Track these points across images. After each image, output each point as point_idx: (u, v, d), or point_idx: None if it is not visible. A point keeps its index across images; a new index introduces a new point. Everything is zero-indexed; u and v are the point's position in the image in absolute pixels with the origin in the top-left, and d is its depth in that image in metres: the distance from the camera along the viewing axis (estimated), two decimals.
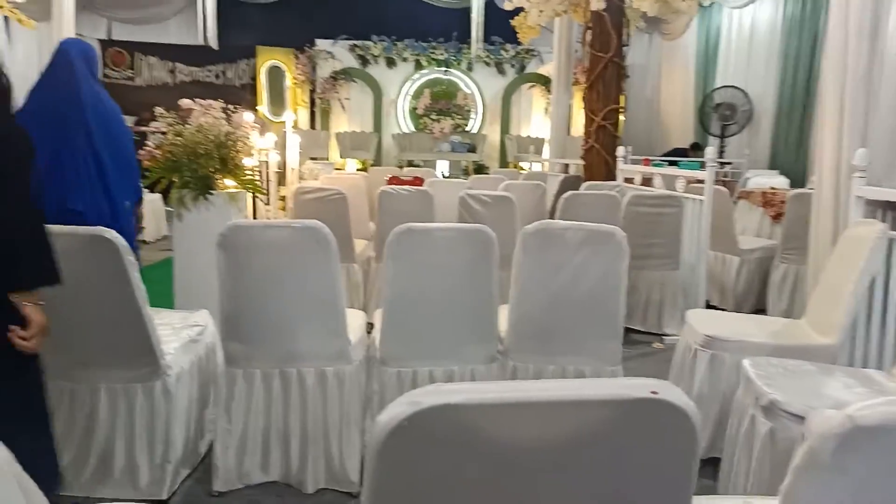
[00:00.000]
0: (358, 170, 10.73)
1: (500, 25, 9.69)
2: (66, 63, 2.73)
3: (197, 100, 3.61)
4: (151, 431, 2.25)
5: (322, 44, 11.47)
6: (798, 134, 8.20)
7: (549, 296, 2.38)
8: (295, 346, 2.30)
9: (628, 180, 5.07)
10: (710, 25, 10.02)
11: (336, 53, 11.51)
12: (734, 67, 9.63)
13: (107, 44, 10.98)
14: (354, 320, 2.48)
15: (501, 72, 11.88)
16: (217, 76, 11.37)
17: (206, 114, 3.53)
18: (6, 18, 9.01)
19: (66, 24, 7.46)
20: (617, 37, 5.05)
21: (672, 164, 7.25)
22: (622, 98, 5.42)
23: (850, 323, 2.46)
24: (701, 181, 4.08)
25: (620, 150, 5.13)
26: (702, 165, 4.05)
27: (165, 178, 3.58)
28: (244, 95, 10.96)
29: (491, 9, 9.97)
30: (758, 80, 9.09)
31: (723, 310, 4.63)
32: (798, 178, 7.66)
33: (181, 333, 2.39)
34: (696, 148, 9.24)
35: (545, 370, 2.48)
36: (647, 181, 5.05)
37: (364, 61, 11.66)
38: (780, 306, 4.47)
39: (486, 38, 10.67)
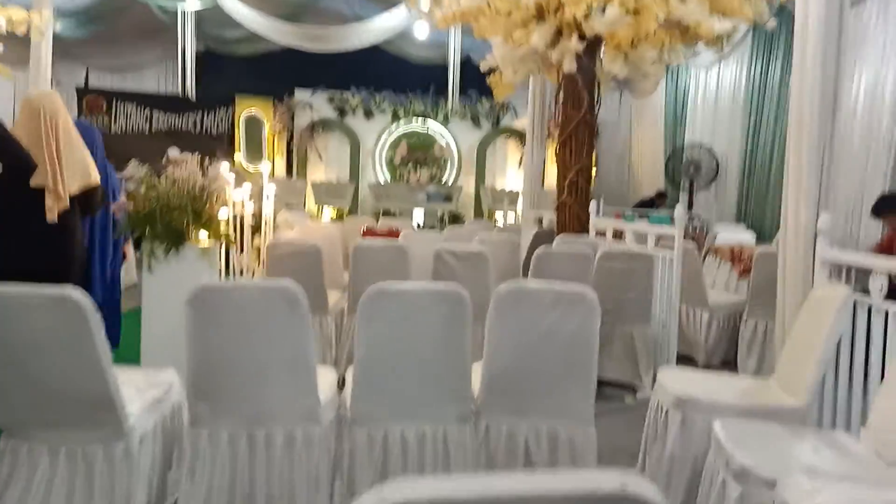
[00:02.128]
0: (333, 218, 10.75)
1: (476, 80, 9.95)
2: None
3: (171, 154, 3.61)
4: (112, 495, 2.17)
5: (301, 94, 11.62)
6: (764, 190, 8.44)
7: (521, 355, 2.38)
8: (263, 407, 2.26)
9: (601, 233, 5.15)
10: (678, 84, 10.39)
11: (314, 104, 11.65)
12: (701, 124, 9.95)
13: (84, 91, 10.99)
14: (325, 378, 2.45)
15: (477, 124, 12.11)
16: (195, 124, 11.40)
17: (181, 167, 3.53)
18: None
19: (42, 70, 7.48)
20: (588, 96, 5.20)
21: (642, 215, 7.43)
22: (594, 154, 5.55)
23: (817, 384, 2.50)
24: (671, 237, 4.16)
25: (592, 206, 5.22)
26: (671, 221, 4.14)
27: (138, 230, 3.56)
28: (222, 144, 10.98)
29: (467, 64, 10.26)
30: (724, 137, 9.39)
31: (694, 362, 4.68)
32: (765, 233, 7.85)
33: (146, 394, 2.33)
34: (662, 196, 9.45)
35: (518, 430, 2.45)
36: (619, 233, 5.14)
37: (342, 112, 11.81)
38: (750, 360, 4.53)
39: (463, 92, 10.94)
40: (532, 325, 2.34)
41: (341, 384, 2.59)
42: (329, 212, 11.42)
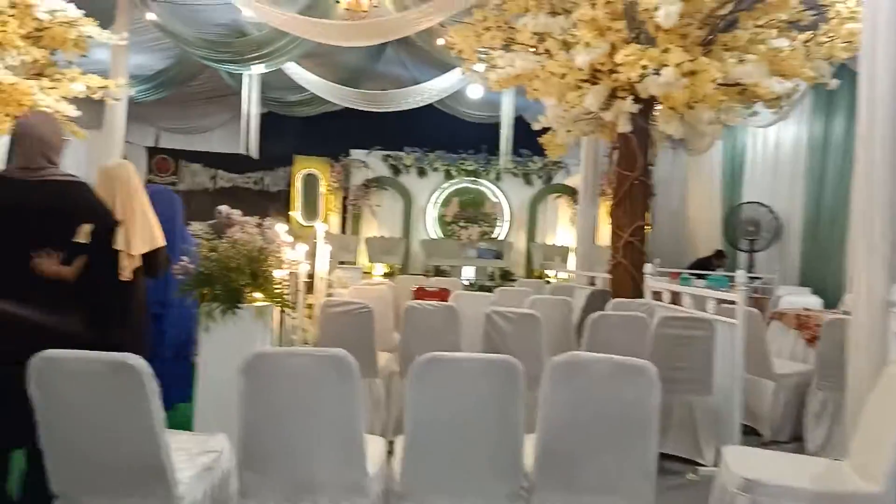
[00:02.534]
0: (385, 274, 10.84)
1: (529, 138, 10.04)
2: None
3: (232, 215, 3.72)
4: None
5: (357, 153, 11.96)
6: (829, 251, 8.12)
7: (576, 429, 2.29)
8: (312, 476, 2.23)
9: (656, 295, 5.01)
10: (735, 141, 10.21)
11: (369, 163, 11.96)
12: (760, 182, 9.71)
13: (154, 151, 11.59)
14: (374, 449, 2.41)
15: (529, 182, 12.17)
16: (255, 182, 11.84)
17: (241, 230, 3.63)
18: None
19: (117, 132, 7.94)
20: (643, 156, 5.16)
21: (699, 276, 7.21)
22: (648, 214, 5.47)
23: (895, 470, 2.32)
24: (731, 302, 4.00)
25: (648, 268, 5.10)
26: (730, 281, 3.99)
27: (197, 291, 3.64)
28: (279, 202, 11.34)
29: (520, 123, 10.38)
30: (784, 196, 9.13)
31: (757, 434, 4.42)
32: (829, 296, 7.50)
33: (196, 460, 2.33)
34: (720, 255, 9.18)
35: None
36: (675, 296, 4.98)
37: (396, 170, 12.07)
38: (818, 434, 4.25)
39: (515, 151, 11.05)
40: (588, 397, 2.26)
41: (390, 451, 2.55)
42: (382, 268, 11.54)
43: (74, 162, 10.80)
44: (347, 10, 7.64)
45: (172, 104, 10.67)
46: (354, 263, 10.90)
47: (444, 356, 2.20)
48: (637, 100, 4.82)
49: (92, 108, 7.44)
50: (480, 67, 5.87)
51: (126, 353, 2.03)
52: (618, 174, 5.32)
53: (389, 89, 10.22)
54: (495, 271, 11.39)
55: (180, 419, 3.30)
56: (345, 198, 11.97)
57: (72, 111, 5.57)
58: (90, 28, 5.55)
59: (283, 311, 4.07)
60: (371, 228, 12.03)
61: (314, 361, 2.14)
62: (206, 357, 3.43)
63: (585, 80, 4.87)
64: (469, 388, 2.21)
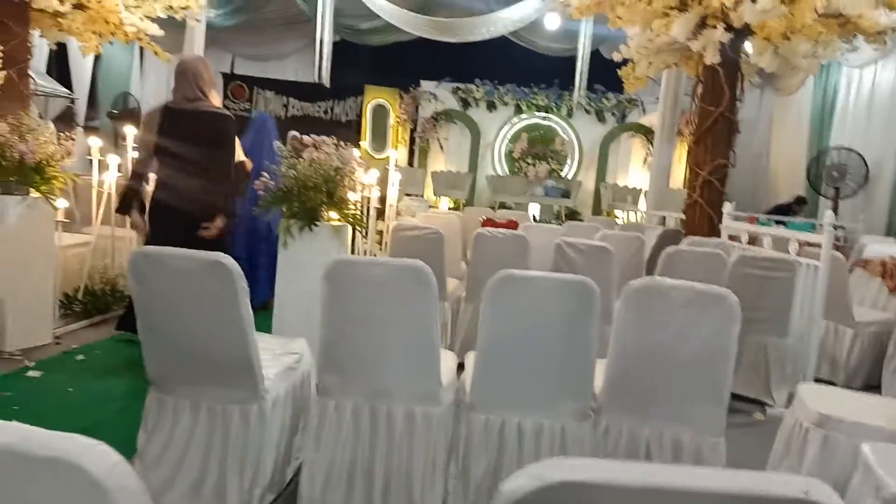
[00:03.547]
0: (451, 208, 10.87)
1: (604, 74, 9.67)
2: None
3: (311, 135, 3.78)
4: (244, 454, 2.30)
5: (426, 85, 11.83)
6: None
7: (650, 356, 2.29)
8: (387, 383, 2.31)
9: (732, 238, 4.86)
10: (827, 84, 9.58)
11: (439, 95, 11.82)
12: (851, 129, 9.13)
13: (229, 77, 11.78)
14: (446, 362, 2.47)
15: (601, 120, 11.80)
16: (325, 112, 11.92)
17: (319, 149, 3.68)
18: (141, 50, 9.88)
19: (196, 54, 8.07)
20: (730, 91, 4.90)
21: (778, 222, 6.92)
22: (730, 154, 5.24)
23: None
24: (815, 245, 3.85)
25: (727, 207, 4.93)
26: (813, 227, 3.82)
27: (275, 207, 3.76)
28: (350, 131, 11.42)
29: (595, 57, 9.99)
30: (876, 144, 8.56)
31: (833, 384, 4.31)
32: None
33: (280, 360, 2.46)
34: (801, 202, 8.76)
35: (640, 433, 2.36)
36: (752, 240, 4.81)
37: (465, 104, 11.90)
38: None
39: (589, 86, 10.69)
40: (663, 324, 2.24)
41: (459, 371, 2.61)
42: (447, 202, 11.57)
43: (156, 84, 11.11)
44: None
45: (248, 30, 10.75)
46: (421, 196, 10.95)
47: (519, 274, 2.21)
48: (729, 29, 4.55)
49: (173, 32, 7.58)
50: None
51: (219, 253, 2.13)
52: (701, 109, 5.08)
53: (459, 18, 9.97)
54: (562, 210, 11.25)
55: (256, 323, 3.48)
56: (413, 130, 11.94)
57: (156, 31, 5.68)
58: None
59: (356, 232, 4.16)
60: (438, 162, 12.00)
61: (394, 271, 2.19)
62: (285, 270, 3.57)
63: (674, 7, 4.62)
64: (543, 306, 2.22)
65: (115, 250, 4.83)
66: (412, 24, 9.37)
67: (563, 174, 11.79)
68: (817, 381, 3.98)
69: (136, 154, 4.72)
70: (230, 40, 11.07)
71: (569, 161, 11.84)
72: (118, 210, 3.84)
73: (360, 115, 11.88)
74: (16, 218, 3.67)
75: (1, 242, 3.62)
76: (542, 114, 11.80)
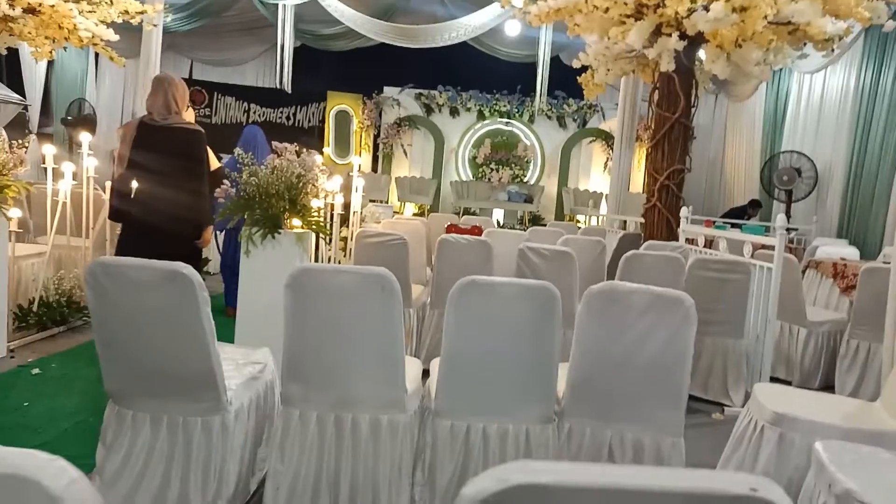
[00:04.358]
0: (415, 214, 10.88)
1: (564, 80, 9.81)
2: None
3: (273, 142, 3.75)
4: (207, 466, 2.27)
5: (389, 91, 11.83)
6: (870, 203, 7.92)
7: (610, 359, 2.33)
8: (352, 392, 2.31)
9: (690, 241, 4.98)
10: (779, 90, 9.90)
11: (402, 101, 11.84)
12: (802, 133, 9.44)
13: (188, 83, 11.59)
14: (411, 369, 2.48)
15: (563, 125, 11.97)
16: (288, 118, 11.82)
17: (280, 156, 3.66)
18: (97, 55, 9.67)
19: (152, 60, 7.94)
20: (685, 98, 5.03)
21: (734, 225, 7.11)
22: (687, 159, 5.37)
23: None
24: (769, 247, 3.97)
25: (684, 211, 5.06)
26: (766, 231, 3.95)
27: (237, 215, 3.72)
28: (312, 137, 11.34)
29: (556, 64, 10.14)
30: (827, 146, 8.88)
31: (788, 383, 4.44)
32: (869, 249, 7.37)
33: (243, 370, 2.44)
34: (755, 205, 9.02)
35: (602, 435, 2.41)
36: (709, 243, 4.94)
37: (429, 109, 11.94)
38: (849, 382, 4.26)
39: (550, 92, 10.83)
40: (623, 328, 2.29)
41: (424, 378, 2.62)
42: (411, 208, 11.57)
43: (112, 90, 10.87)
44: None
45: (207, 35, 10.61)
46: (385, 202, 10.94)
47: (483, 280, 2.24)
48: (683, 37, 4.67)
49: (129, 37, 7.45)
50: (520, 2, 5.71)
51: (179, 263, 2.10)
52: (658, 115, 5.20)
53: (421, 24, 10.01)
54: (525, 215, 11.36)
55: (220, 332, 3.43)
56: (376, 136, 11.93)
57: (111, 36, 5.57)
58: None
59: (318, 239, 4.14)
60: (402, 168, 12.01)
61: (358, 279, 2.19)
62: (247, 279, 3.53)
63: (630, 15, 4.72)
64: (506, 312, 2.25)
65: (71, 260, 4.71)
66: (374, 30, 9.38)
67: (525, 179, 11.92)
68: (773, 380, 4.11)
69: (93, 162, 4.63)
70: (188, 45, 10.91)
71: (531, 166, 11.98)
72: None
73: (322, 122, 11.82)
74: None
75: None
76: (505, 119, 11.91)
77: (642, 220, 5.75)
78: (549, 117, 11.90)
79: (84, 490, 0.68)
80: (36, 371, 3.62)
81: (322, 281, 2.19)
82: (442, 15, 10.07)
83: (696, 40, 4.84)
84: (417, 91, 11.88)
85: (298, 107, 11.81)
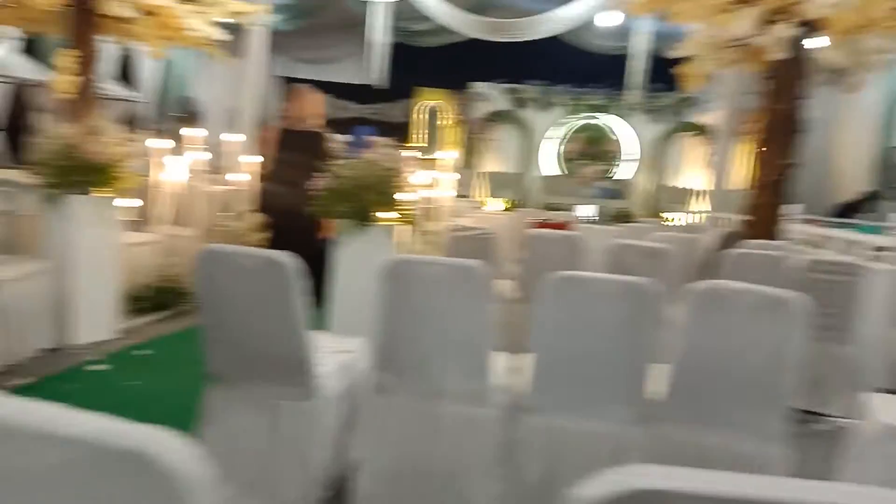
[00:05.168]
0: (503, 209, 10.83)
1: (659, 72, 9.46)
2: None
3: (366, 136, 3.82)
4: (297, 450, 2.33)
5: (479, 86, 11.82)
6: None
7: (713, 361, 2.22)
8: (441, 382, 2.31)
9: (798, 240, 4.68)
10: None
11: (491, 96, 11.80)
12: None
13: (287, 81, 12.03)
14: (500, 362, 2.45)
15: (657, 119, 11.56)
16: (377, 113, 12.05)
17: (374, 150, 3.72)
18: (206, 54, 10.20)
19: (256, 59, 8.30)
20: (798, 89, 4.72)
21: (844, 224, 6.61)
22: (798, 154, 5.04)
23: None
24: (886, 249, 3.67)
25: (793, 208, 4.75)
26: (880, 229, 3.64)
27: (330, 207, 3.82)
28: (401, 133, 11.51)
29: (652, 55, 9.80)
30: None
31: None
32: None
33: (335, 357, 2.48)
34: (871, 198, 8.36)
35: (701, 440, 2.29)
36: (818, 242, 4.63)
37: (517, 104, 11.84)
38: None
39: (644, 85, 10.49)
40: (729, 329, 2.17)
41: (513, 373, 2.58)
42: (498, 202, 11.53)
43: (218, 84, 11.42)
44: None
45: (303, 34, 10.95)
46: (471, 196, 10.96)
47: (576, 275, 2.18)
48: (796, 23, 4.38)
49: (234, 36, 7.79)
50: None
51: (278, 251, 2.16)
52: (767, 108, 4.91)
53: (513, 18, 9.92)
54: (614, 211, 11.07)
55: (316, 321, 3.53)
56: (465, 130, 11.96)
57: (220, 35, 5.83)
58: None
59: (408, 232, 4.19)
60: (490, 163, 11.98)
61: (449, 270, 2.18)
62: (340, 268, 3.61)
63: (738, 2, 4.47)
64: (600, 309, 2.18)
65: (178, 249, 4.98)
66: (466, 26, 9.39)
67: (615, 175, 11.61)
68: (885, 391, 3.79)
69: (200, 156, 4.91)
70: (288, 44, 11.28)
71: (622, 161, 11.65)
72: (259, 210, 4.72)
73: (412, 117, 11.97)
74: (84, 216, 3.82)
75: (70, 240, 3.78)
76: (595, 113, 11.64)
77: (745, 218, 5.45)
78: (643, 111, 11.52)
79: (202, 466, 0.70)
80: (145, 352, 3.85)
81: (415, 272, 2.20)
82: (533, 8, 9.95)
83: (811, 27, 4.53)
84: (507, 85, 11.80)
85: (389, 102, 12.02)
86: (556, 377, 2.26)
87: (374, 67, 9.84)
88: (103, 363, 3.57)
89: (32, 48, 7.79)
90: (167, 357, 3.83)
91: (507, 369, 2.53)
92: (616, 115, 11.59)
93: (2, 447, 0.75)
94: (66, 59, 4.82)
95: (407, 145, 10.64)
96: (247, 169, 5.93)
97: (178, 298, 4.71)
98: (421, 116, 11.92)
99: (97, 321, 3.92)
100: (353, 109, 12.00)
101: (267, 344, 2.27)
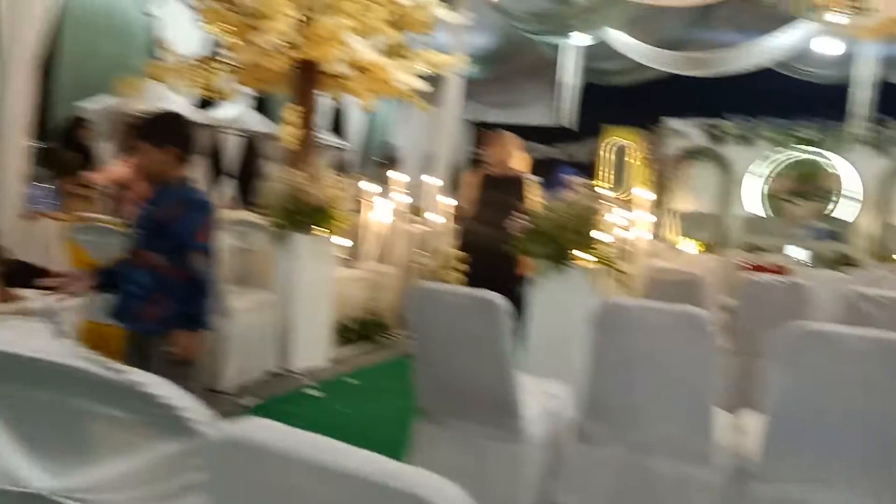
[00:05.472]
0: (698, 251, 10.17)
1: (888, 101, 8.38)
2: None
3: (564, 176, 3.80)
4: (501, 492, 2.30)
5: (671, 122, 11.34)
6: None
7: None
8: (655, 436, 2.16)
9: None
10: None
11: (685, 132, 11.24)
12: None
13: (476, 125, 12.51)
14: (723, 420, 2.24)
15: (884, 153, 10.21)
16: (565, 153, 12.03)
17: (572, 190, 3.68)
18: (403, 102, 10.95)
19: (452, 106, 8.72)
20: None
21: None
22: None
23: None
24: None
25: None
26: None
27: (529, 248, 3.83)
28: (589, 172, 11.35)
29: (880, 83, 8.74)
30: None
31: None
32: None
33: (540, 401, 2.43)
34: None
35: None
36: None
37: (715, 139, 11.15)
38: None
39: (869, 115, 9.36)
40: None
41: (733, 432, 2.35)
42: (692, 243, 10.85)
43: (414, 131, 12.18)
44: None
45: (493, 79, 11.31)
46: (663, 237, 10.43)
47: (827, 330, 1.94)
48: None
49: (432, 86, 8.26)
50: (843, 18, 5.01)
51: (487, 291, 2.19)
52: None
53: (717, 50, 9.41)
54: (831, 254, 9.87)
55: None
56: (655, 169, 11.49)
57: (422, 86, 6.21)
58: (439, 10, 6.11)
59: (607, 273, 4.05)
60: (683, 201, 11.35)
61: (669, 317, 2.05)
62: (537, 309, 3.58)
63: None
64: (852, 368, 1.90)
65: (381, 285, 5.29)
66: (663, 62, 9.10)
67: (832, 213, 10.39)
68: None
69: (402, 198, 5.25)
70: (477, 90, 11.73)
71: (839, 199, 10.41)
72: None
73: (599, 156, 11.78)
74: (306, 253, 4.19)
75: (293, 274, 4.16)
76: (807, 147, 10.57)
77: None
78: (866, 144, 10.25)
79: None
80: (353, 381, 4.10)
81: (631, 317, 2.10)
82: (735, 39, 9.38)
83: None
84: (703, 121, 11.17)
85: (576, 142, 11.95)
86: (793, 442, 2.00)
87: (562, 108, 9.86)
88: (319, 389, 3.85)
89: (261, 104, 8.88)
90: (373, 387, 4.04)
91: (728, 428, 2.31)
92: (833, 149, 10.43)
93: (281, 475, 0.80)
94: (291, 113, 5.40)
95: (597, 184, 10.46)
96: (443, 210, 6.18)
97: (380, 331, 4.98)
98: (608, 155, 11.68)
99: (313, 349, 4.25)
100: (541, 150, 12.09)
101: (476, 383, 2.28)
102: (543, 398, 2.48)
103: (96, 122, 5.77)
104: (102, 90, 6.29)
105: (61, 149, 5.48)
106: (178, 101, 6.40)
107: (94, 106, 6.11)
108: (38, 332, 2.74)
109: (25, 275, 3.42)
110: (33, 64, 4.22)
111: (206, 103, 7.01)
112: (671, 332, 2.04)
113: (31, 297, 3.08)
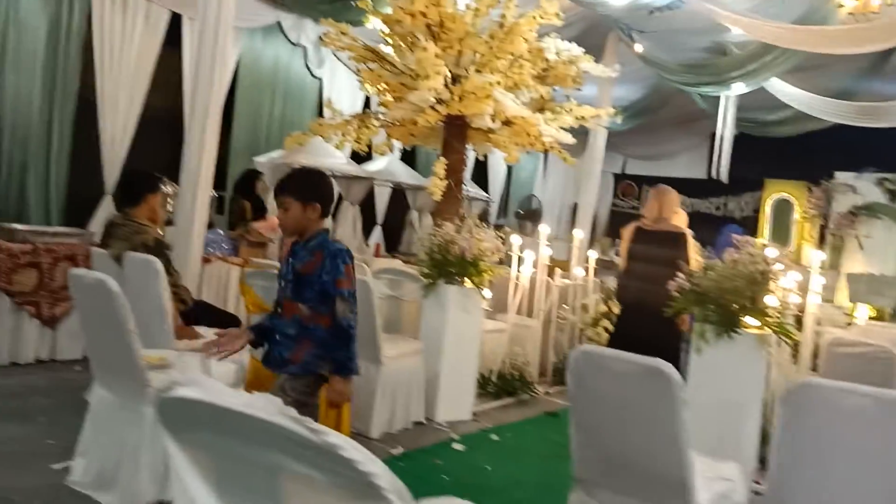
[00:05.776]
0: (871, 318, 9.10)
1: None
2: None
3: (733, 235, 3.55)
4: None
5: (842, 176, 10.41)
6: None
7: None
8: None
9: None
10: None
11: (858, 187, 10.27)
12: None
13: (619, 177, 12.22)
14: None
15: None
16: (717, 208, 11.39)
17: (739, 249, 3.43)
18: (545, 154, 10.93)
19: (596, 159, 8.59)
20: None
21: None
22: None
23: None
24: None
25: None
26: None
27: (687, 310, 3.60)
28: (744, 228, 10.64)
29: None
30: None
31: None
32: None
33: (712, 485, 2.21)
34: None
35: None
36: None
37: (891, 196, 10.07)
38: None
39: None
40: None
41: None
42: (866, 309, 9.74)
43: (556, 184, 12.12)
44: (851, 14, 6.69)
45: (641, 131, 11.04)
46: (831, 301, 9.46)
47: None
48: None
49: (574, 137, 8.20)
50: None
51: (659, 360, 2.04)
52: None
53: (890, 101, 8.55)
54: None
55: None
56: (823, 226, 10.54)
57: (569, 139, 6.16)
58: (588, 64, 6.08)
59: (781, 343, 3.70)
60: (855, 263, 10.28)
61: (876, 403, 1.79)
62: (696, 377, 3.33)
63: None
64: None
65: (522, 338, 5.19)
66: (831, 112, 8.41)
67: None
68: None
69: (547, 251, 5.13)
70: (622, 142, 11.50)
71: None
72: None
73: (757, 211, 11.02)
74: (455, 304, 4.21)
75: (442, 324, 4.19)
76: None
77: None
78: None
79: None
80: (494, 437, 4.00)
81: (826, 399, 1.86)
82: None
83: None
84: (879, 175, 10.16)
85: (730, 196, 11.28)
86: None
87: (715, 160, 9.38)
88: (461, 443, 3.79)
89: (407, 155, 9.25)
90: (515, 444, 3.93)
91: None
92: None
93: None
94: (441, 165, 5.54)
95: (767, 244, 9.75)
96: (587, 263, 6.01)
97: (523, 386, 4.86)
98: (769, 210, 10.91)
99: (457, 401, 4.22)
100: (689, 203, 11.54)
101: (642, 458, 2.12)
102: (716, 482, 2.26)
103: (266, 175, 6.26)
104: (275, 146, 6.87)
105: (237, 198, 5.99)
106: (338, 155, 6.82)
107: (264, 160, 6.65)
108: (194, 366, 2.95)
109: (206, 314, 3.72)
110: (216, 123, 4.67)
111: (360, 156, 7.41)
112: (879, 420, 1.78)
113: (206, 337, 3.33)
